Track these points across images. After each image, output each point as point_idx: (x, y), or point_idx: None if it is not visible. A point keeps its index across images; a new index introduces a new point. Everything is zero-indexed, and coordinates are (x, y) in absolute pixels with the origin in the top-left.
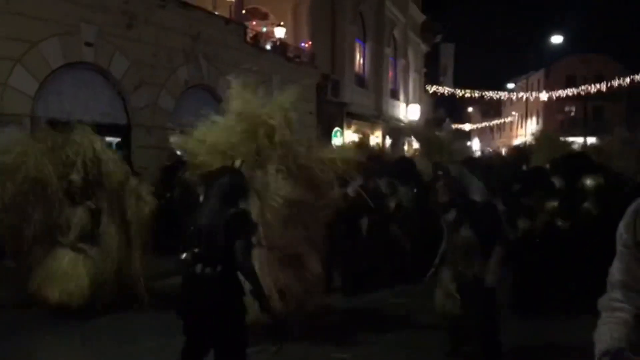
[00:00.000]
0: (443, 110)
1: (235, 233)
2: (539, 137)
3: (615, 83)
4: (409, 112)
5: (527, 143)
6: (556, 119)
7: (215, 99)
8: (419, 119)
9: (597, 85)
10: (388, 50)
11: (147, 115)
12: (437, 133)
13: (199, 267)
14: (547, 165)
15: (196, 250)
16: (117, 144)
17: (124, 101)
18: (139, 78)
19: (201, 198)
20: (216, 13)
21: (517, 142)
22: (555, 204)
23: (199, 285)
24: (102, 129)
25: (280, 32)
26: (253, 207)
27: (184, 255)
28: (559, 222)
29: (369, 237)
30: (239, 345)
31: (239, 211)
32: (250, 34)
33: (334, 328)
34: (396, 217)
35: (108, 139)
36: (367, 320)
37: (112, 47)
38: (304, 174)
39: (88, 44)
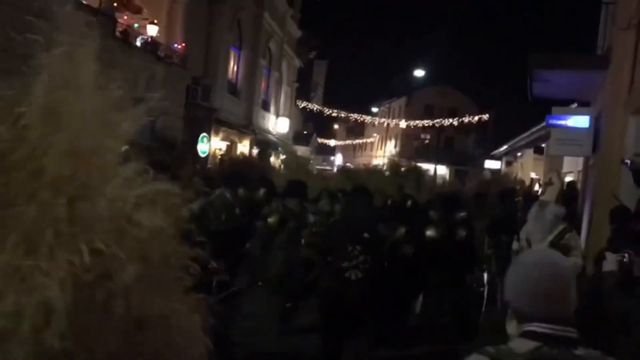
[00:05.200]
0: (311, 125)
1: None
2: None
3: (466, 119)
4: (278, 124)
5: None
6: (413, 144)
7: None
8: (288, 132)
9: (450, 120)
10: (263, 62)
11: None
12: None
13: None
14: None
15: None
16: None
17: None
18: None
19: None
20: (84, 2)
21: (376, 161)
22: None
23: None
24: None
25: (152, 30)
26: None
27: None
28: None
29: None
30: None
31: None
32: (119, 29)
33: None
34: None
35: None
36: None
37: None
38: None
39: None
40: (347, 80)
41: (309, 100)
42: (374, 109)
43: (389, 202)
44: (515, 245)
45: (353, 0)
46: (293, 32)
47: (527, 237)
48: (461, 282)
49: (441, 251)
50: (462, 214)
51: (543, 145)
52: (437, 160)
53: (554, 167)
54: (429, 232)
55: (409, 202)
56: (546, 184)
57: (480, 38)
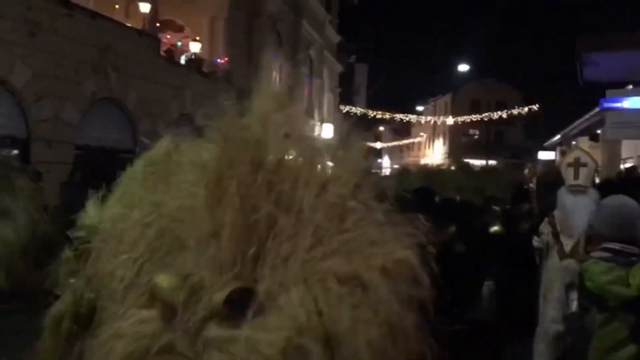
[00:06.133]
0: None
1: None
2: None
3: (515, 111)
4: (323, 130)
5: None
6: (461, 141)
7: (124, 113)
8: (333, 138)
9: (499, 113)
10: (304, 69)
11: (49, 128)
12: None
13: None
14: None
15: None
16: (15, 157)
17: (24, 113)
18: (42, 89)
19: None
20: (128, 24)
21: (425, 161)
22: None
23: None
24: None
25: (195, 47)
26: None
27: None
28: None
29: None
30: None
31: None
32: (163, 48)
33: None
34: None
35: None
36: None
37: (13, 56)
38: None
39: None
40: (390, 81)
41: (352, 104)
42: (419, 108)
43: (437, 199)
44: (536, 242)
45: (390, 0)
46: (332, 37)
47: (556, 232)
48: (526, 277)
49: (504, 244)
50: (527, 205)
51: (599, 131)
52: (488, 155)
53: (613, 153)
54: (493, 226)
55: (458, 198)
56: (573, 165)
57: (522, 27)
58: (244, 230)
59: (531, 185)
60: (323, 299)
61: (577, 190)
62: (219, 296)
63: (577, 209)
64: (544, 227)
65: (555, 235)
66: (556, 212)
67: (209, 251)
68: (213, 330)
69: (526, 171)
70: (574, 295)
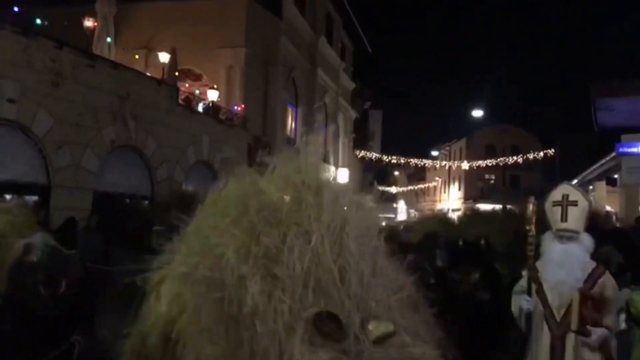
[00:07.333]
0: (371, 174)
1: None
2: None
3: (531, 156)
4: (338, 175)
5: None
6: (477, 185)
7: (143, 159)
8: (348, 183)
9: (514, 157)
10: (319, 116)
11: (69, 175)
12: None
13: None
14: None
15: None
16: (35, 204)
17: (45, 160)
18: (63, 137)
19: None
20: (148, 74)
21: (440, 206)
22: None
23: None
24: (20, 188)
25: (213, 95)
26: None
27: None
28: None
29: None
30: None
31: None
32: (182, 96)
33: None
34: None
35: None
36: None
37: (36, 105)
38: None
39: (10, 101)
40: (404, 127)
41: (367, 150)
42: (434, 153)
43: (461, 243)
44: (526, 303)
45: (404, 48)
46: (347, 84)
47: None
48: None
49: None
50: None
51: (616, 176)
52: (504, 200)
53: (631, 198)
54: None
55: (483, 242)
56: (560, 204)
57: (537, 72)
58: (355, 277)
59: (532, 227)
60: (400, 322)
61: (565, 235)
62: (386, 328)
63: (566, 261)
64: (524, 280)
65: (542, 295)
66: (539, 264)
67: (342, 294)
68: (379, 353)
69: (530, 207)
70: (623, 317)
